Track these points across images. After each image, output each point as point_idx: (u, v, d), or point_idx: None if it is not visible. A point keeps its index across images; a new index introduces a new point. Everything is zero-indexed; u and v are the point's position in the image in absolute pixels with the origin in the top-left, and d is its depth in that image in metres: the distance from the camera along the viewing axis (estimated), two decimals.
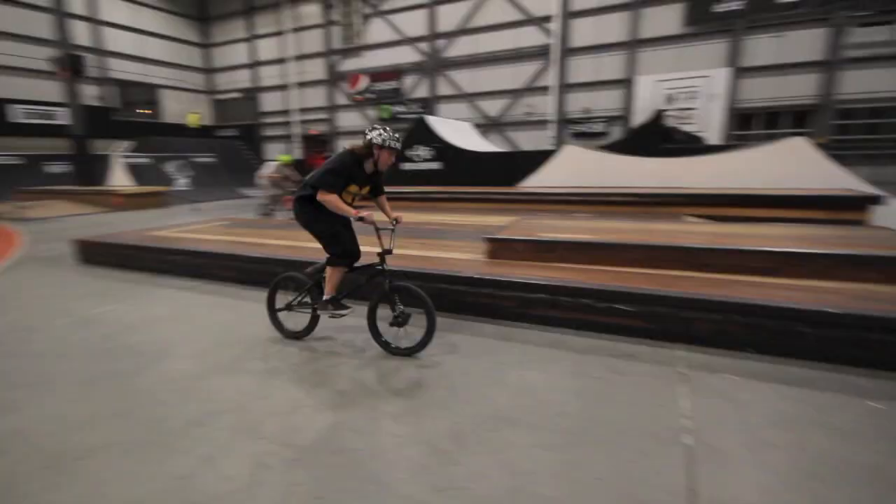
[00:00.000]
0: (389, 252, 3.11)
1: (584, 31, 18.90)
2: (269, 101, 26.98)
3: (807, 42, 15.58)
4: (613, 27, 18.30)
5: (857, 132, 15.67)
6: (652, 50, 17.84)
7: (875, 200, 6.36)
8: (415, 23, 21.90)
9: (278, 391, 2.71)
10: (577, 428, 2.29)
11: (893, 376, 2.64)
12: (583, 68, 19.21)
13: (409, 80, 22.71)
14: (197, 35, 27.77)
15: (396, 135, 3.08)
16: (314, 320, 3.42)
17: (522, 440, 2.20)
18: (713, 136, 16.19)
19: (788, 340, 2.90)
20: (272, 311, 3.53)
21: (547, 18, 19.25)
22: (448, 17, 21.23)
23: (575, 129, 19.67)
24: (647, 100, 17.59)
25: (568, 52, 19.31)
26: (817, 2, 14.84)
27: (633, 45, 18.02)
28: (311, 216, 3.11)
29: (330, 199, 2.94)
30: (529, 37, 19.91)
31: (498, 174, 10.53)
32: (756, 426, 2.26)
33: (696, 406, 2.44)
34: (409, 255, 4.79)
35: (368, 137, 3.02)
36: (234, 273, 5.00)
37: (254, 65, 26.94)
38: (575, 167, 9.31)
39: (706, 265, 3.76)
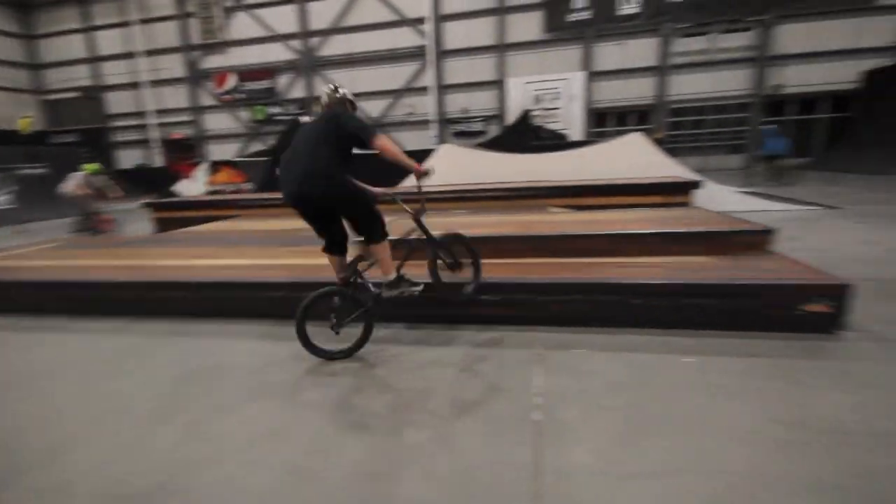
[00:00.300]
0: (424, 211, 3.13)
1: (457, 34, 19.64)
2: (119, 102, 23.72)
3: (643, 50, 17.96)
4: (483, 31, 19.29)
5: (686, 128, 18.50)
6: (518, 54, 19.15)
7: (696, 185, 7.52)
8: (284, 19, 20.85)
9: (102, 437, 2.36)
10: (437, 422, 2.33)
11: (701, 333, 3.11)
12: (458, 70, 19.96)
13: (283, 80, 21.58)
14: (15, 24, 23.34)
15: None
16: (369, 327, 3.08)
17: (383, 443, 2.18)
18: (575, 133, 17.91)
19: (625, 312, 3.27)
20: (308, 341, 2.97)
21: (420, 20, 19.61)
22: (320, 15, 20.57)
23: (455, 129, 20.37)
24: (517, 100, 18.85)
25: (443, 53, 19.89)
26: (648, 14, 17.19)
27: (502, 48, 19.17)
28: (351, 191, 2.82)
29: (390, 146, 2.75)
30: (405, 38, 20.12)
31: (379, 174, 10.39)
32: (597, 394, 2.51)
33: (547, 383, 2.63)
34: (278, 265, 4.53)
35: (343, 93, 2.95)
36: (64, 303, 4.26)
37: (94, 60, 23.46)
38: (452, 165, 9.61)
39: (561, 251, 4.11)
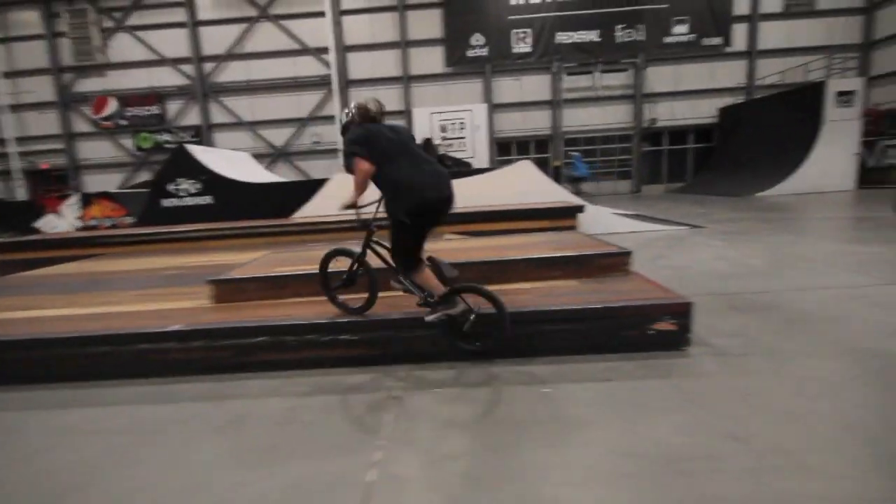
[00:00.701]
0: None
1: (362, 64, 19.69)
2: None
3: (537, 85, 19.25)
4: (388, 62, 19.53)
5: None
6: (423, 85, 19.60)
7: (581, 209, 7.91)
8: (174, 43, 19.57)
9: None
10: (258, 496, 1.96)
11: (564, 359, 3.05)
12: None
13: (173, 106, 20.08)
14: None
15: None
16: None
17: None
18: (482, 160, 18.49)
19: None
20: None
21: (324, 50, 19.41)
22: (214, 40, 19.60)
23: None
24: (425, 129, 19.12)
25: (349, 83, 19.79)
26: (539, 53, 18.55)
27: (407, 80, 19.51)
28: None
29: None
30: (309, 66, 19.78)
31: (272, 206, 9.91)
32: (443, 441, 2.28)
33: (394, 432, 2.37)
34: (112, 312, 3.89)
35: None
36: None
37: None
38: (345, 194, 9.31)
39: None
